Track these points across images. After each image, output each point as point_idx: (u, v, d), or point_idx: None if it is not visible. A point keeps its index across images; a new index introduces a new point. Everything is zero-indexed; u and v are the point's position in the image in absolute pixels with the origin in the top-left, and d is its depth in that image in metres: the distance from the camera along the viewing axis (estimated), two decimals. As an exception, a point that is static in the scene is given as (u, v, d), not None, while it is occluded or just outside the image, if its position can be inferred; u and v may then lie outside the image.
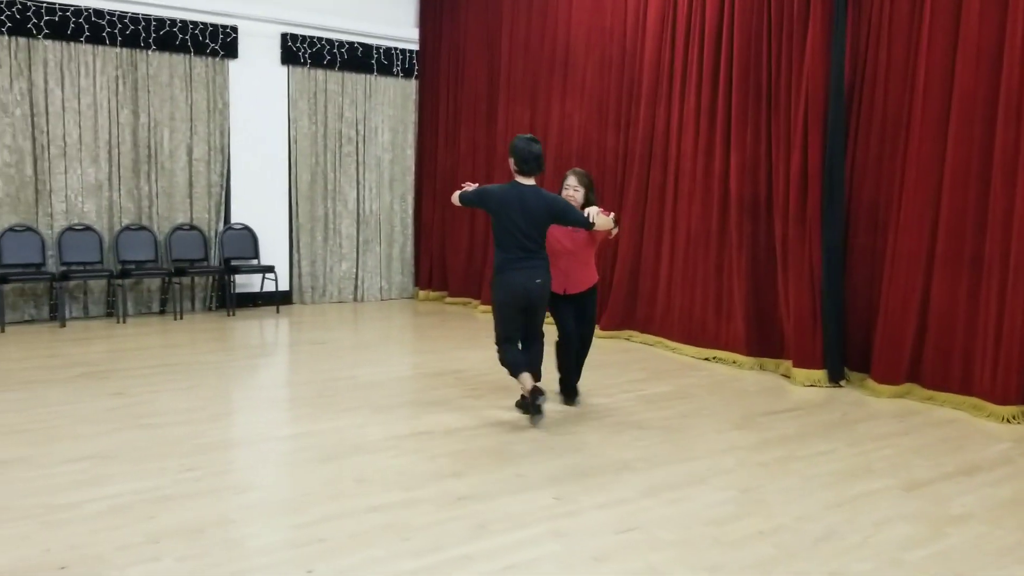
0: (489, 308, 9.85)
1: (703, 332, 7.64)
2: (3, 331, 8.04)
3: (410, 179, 11.10)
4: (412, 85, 11.00)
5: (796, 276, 6.79)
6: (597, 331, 8.42)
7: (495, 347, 5.51)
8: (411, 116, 11.04)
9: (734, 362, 7.31)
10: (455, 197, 5.59)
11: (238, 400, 6.05)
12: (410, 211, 11.16)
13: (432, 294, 11.04)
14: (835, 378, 6.63)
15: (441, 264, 10.95)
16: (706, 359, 7.51)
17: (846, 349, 6.71)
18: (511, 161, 5.31)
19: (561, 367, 5.90)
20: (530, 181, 5.33)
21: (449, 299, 10.76)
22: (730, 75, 7.36)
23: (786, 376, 6.88)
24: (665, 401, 6.06)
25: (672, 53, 7.92)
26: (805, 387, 6.58)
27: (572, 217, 5.39)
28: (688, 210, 7.81)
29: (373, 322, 9.48)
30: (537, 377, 5.47)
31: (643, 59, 8.19)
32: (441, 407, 5.71)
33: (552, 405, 5.77)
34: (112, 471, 4.32)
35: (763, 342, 7.22)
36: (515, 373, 5.40)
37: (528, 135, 5.40)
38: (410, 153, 11.07)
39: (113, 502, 3.90)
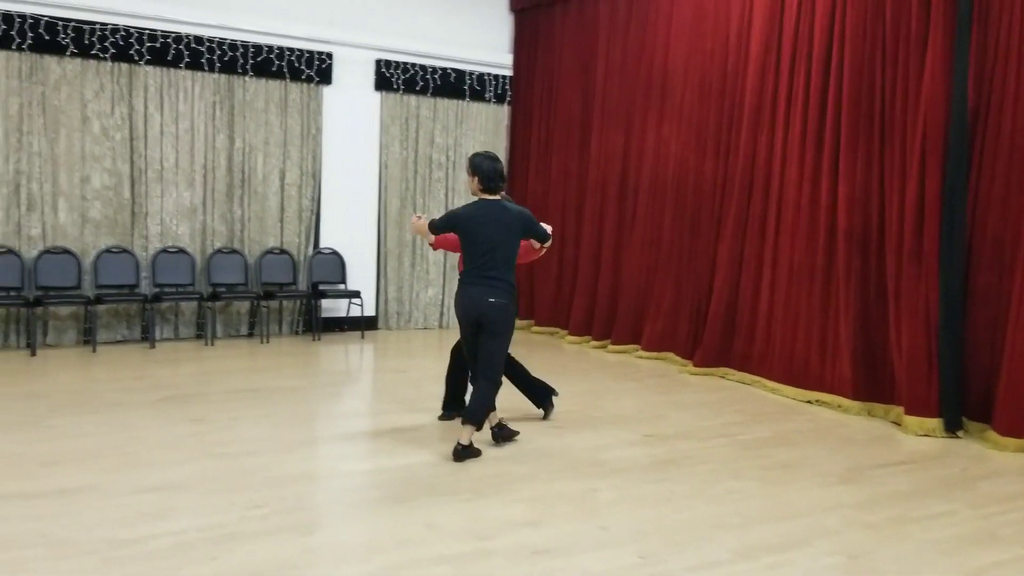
0: (582, 339, 9.67)
1: (805, 373, 7.15)
2: (95, 351, 8.16)
3: (500, 206, 10.91)
4: (504, 111, 10.85)
5: (910, 316, 6.27)
6: (689, 367, 8.08)
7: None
8: (502, 142, 10.89)
9: (839, 406, 6.79)
10: (424, 232, 5.45)
11: (314, 430, 5.90)
12: (499, 238, 10.96)
13: (518, 322, 10.75)
14: (952, 428, 6.08)
15: (528, 292, 10.70)
16: (808, 402, 7.01)
17: (964, 397, 6.14)
18: (475, 180, 5.28)
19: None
20: (495, 197, 5.30)
21: (536, 328, 10.50)
22: (839, 99, 6.91)
23: (897, 424, 6.34)
24: (763, 448, 5.63)
25: (777, 77, 7.51)
26: (918, 437, 6.04)
27: (537, 230, 5.48)
28: (791, 242, 7.36)
29: (458, 351, 9.26)
30: (473, 423, 5.14)
31: (745, 83, 7.81)
32: (520, 446, 5.42)
33: (638, 450, 5.43)
34: (180, 504, 4.19)
35: (872, 386, 6.70)
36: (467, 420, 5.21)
37: (487, 152, 5.41)
38: (501, 179, 10.89)
39: (177, 539, 3.75)
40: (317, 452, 5.37)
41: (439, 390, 7.09)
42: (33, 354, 7.88)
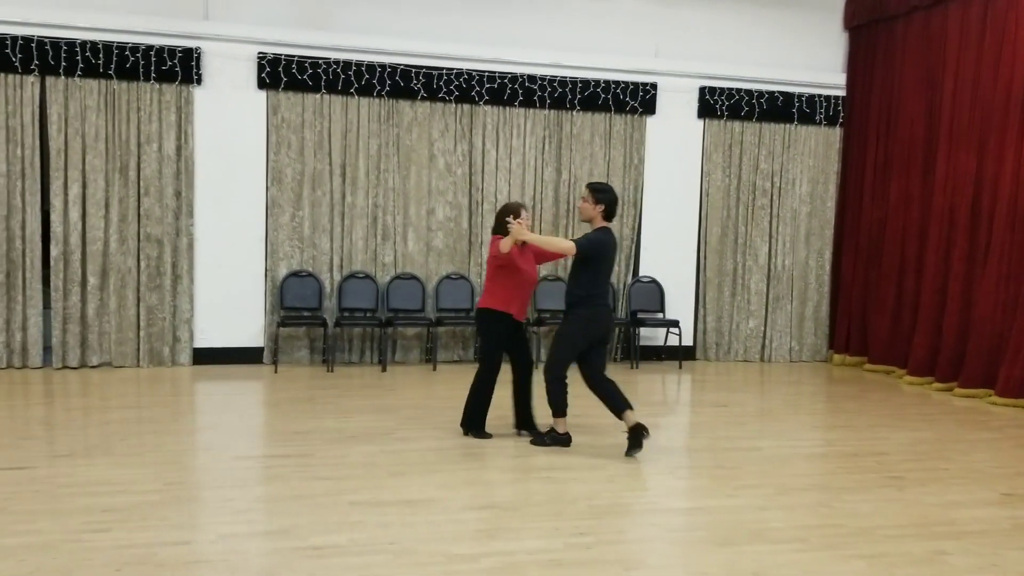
0: (923, 381, 8.80)
1: None
2: (435, 369, 8.86)
3: (829, 233, 10.32)
4: (836, 133, 10.25)
5: None
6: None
7: (548, 378, 5.95)
8: (833, 166, 10.29)
9: None
10: (560, 246, 5.91)
11: (633, 461, 5.89)
12: (827, 267, 10.36)
13: (849, 359, 10.07)
14: None
15: (861, 326, 9.96)
16: None
17: None
18: (601, 208, 5.83)
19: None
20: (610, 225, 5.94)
21: (868, 366, 9.73)
22: None
23: None
24: None
25: None
26: None
27: None
28: None
29: (780, 386, 8.85)
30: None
31: None
32: (856, 494, 5.02)
33: (996, 511, 4.79)
34: (511, 525, 4.38)
35: None
36: (560, 412, 5.97)
37: (605, 183, 6.10)
38: (831, 205, 10.30)
39: (507, 560, 3.91)
40: (636, 484, 5.35)
41: (762, 426, 6.83)
42: (384, 370, 8.74)
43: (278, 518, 4.40)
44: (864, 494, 5.04)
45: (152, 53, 8.28)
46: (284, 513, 4.46)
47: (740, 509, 4.72)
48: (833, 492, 5.08)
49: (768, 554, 4.07)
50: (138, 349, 8.48)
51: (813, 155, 10.21)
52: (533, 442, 6.02)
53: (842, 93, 10.22)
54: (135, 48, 8.24)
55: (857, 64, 10.14)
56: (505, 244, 5.79)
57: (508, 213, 5.95)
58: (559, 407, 5.96)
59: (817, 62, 10.20)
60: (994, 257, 8.06)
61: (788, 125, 10.09)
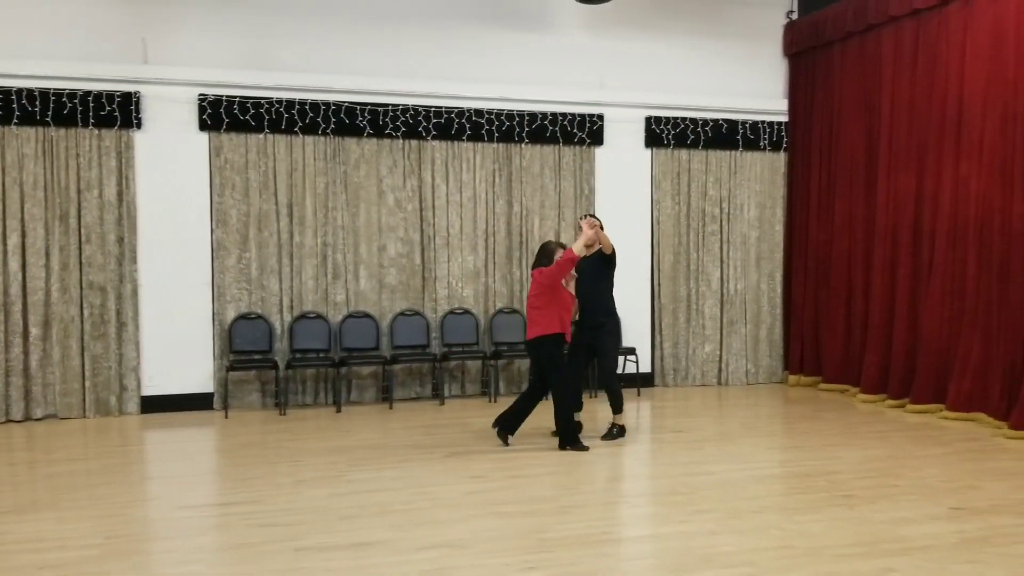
0: (876, 398, 8.92)
1: None
2: (391, 408, 8.77)
3: (779, 256, 10.45)
4: (781, 158, 10.42)
5: None
6: (1005, 430, 7.17)
7: (616, 385, 7.09)
8: (780, 190, 10.45)
9: None
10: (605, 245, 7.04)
11: (588, 491, 5.86)
12: (779, 290, 10.48)
13: (804, 379, 10.16)
14: None
15: (814, 347, 10.07)
16: None
17: None
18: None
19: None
20: None
21: (823, 385, 9.82)
22: None
23: None
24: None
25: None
26: None
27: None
28: None
29: (737, 409, 8.89)
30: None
31: (1061, 108, 6.89)
32: (807, 514, 5.04)
33: (944, 526, 4.82)
34: (460, 563, 4.32)
35: None
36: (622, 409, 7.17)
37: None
38: (779, 229, 10.44)
39: (455, 598, 3.85)
40: (590, 515, 5.31)
41: (717, 450, 6.84)
42: (338, 411, 8.63)
43: (218, 568, 4.30)
44: (814, 514, 5.05)
45: (90, 99, 8.19)
46: (225, 563, 4.35)
47: (692, 535, 4.70)
48: (784, 513, 5.09)
49: (719, 580, 4.05)
50: (84, 400, 8.29)
51: (759, 180, 10.36)
52: (605, 437, 7.10)
53: (785, 119, 10.41)
54: (72, 94, 8.15)
55: (798, 90, 10.34)
56: (578, 246, 6.71)
57: (552, 251, 6.82)
58: (622, 405, 7.18)
59: (759, 89, 10.39)
60: (937, 274, 8.21)
61: (734, 152, 10.24)
